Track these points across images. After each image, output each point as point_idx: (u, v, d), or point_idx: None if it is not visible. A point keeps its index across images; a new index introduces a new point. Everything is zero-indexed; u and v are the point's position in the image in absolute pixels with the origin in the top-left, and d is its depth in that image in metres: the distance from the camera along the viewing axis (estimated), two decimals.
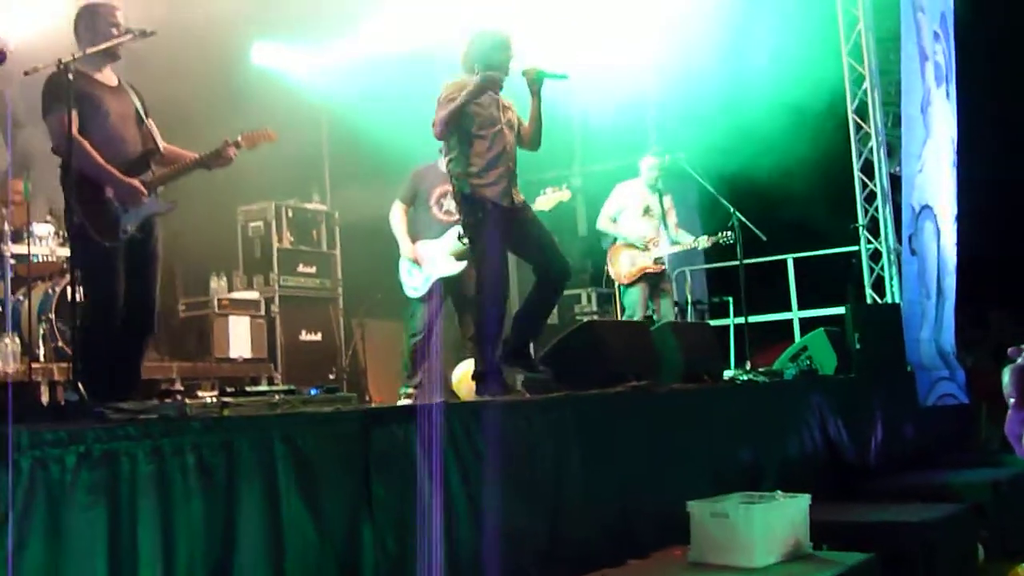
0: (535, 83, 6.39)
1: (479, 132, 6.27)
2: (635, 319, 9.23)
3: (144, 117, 5.76)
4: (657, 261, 9.45)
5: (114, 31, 5.56)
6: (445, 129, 6.25)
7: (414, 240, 8.19)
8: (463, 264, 7.90)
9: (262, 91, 10.60)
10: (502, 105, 6.42)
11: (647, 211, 9.59)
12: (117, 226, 5.43)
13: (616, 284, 9.72)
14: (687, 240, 9.61)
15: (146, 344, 5.83)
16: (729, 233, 9.28)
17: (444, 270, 8.03)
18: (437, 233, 8.09)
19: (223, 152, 5.84)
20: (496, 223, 6.23)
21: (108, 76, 5.68)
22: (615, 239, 9.66)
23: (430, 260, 8.07)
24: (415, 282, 8.16)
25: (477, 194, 6.24)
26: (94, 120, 5.45)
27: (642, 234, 9.49)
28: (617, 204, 9.66)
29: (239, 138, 5.89)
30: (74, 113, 5.09)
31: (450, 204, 7.97)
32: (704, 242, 9.57)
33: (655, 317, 9.33)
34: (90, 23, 5.58)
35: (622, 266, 9.51)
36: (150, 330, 5.75)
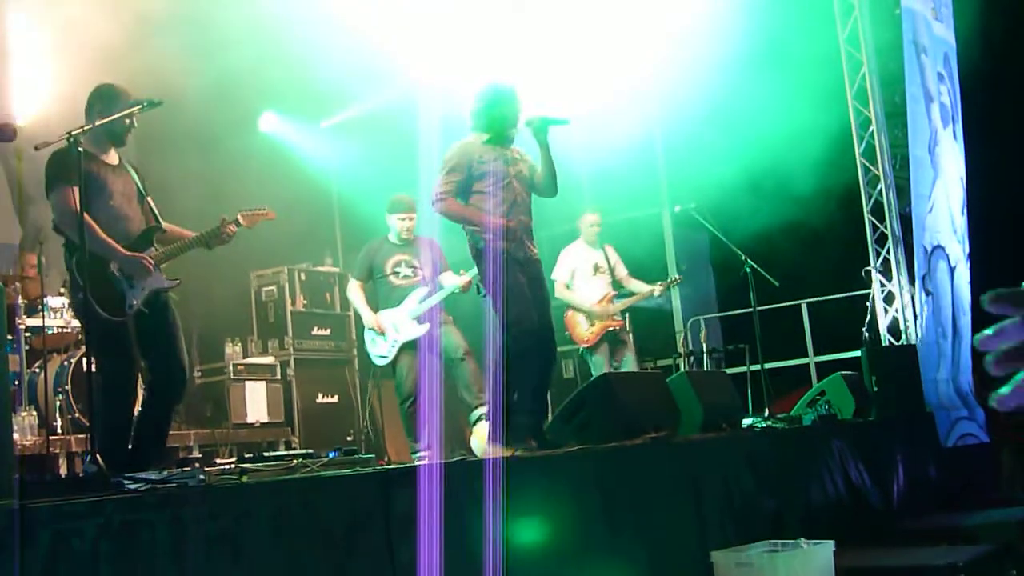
0: (540, 132, 6.35)
1: (485, 189, 6.24)
2: None
3: (144, 195, 5.83)
4: (614, 316, 9.41)
5: (127, 121, 5.62)
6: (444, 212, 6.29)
7: (376, 312, 8.24)
8: (426, 327, 8.01)
9: (271, 158, 10.68)
10: (512, 157, 6.39)
11: (596, 269, 9.52)
12: (123, 302, 5.49)
13: (580, 349, 9.66)
14: (643, 289, 9.56)
15: (172, 412, 5.87)
16: (677, 276, 9.31)
17: (409, 334, 8.09)
18: (398, 300, 8.17)
19: (222, 230, 5.91)
20: (514, 274, 6.16)
21: (111, 156, 5.75)
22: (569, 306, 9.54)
23: (393, 327, 8.12)
24: (380, 350, 8.23)
25: (492, 247, 6.16)
26: (99, 199, 5.52)
27: (596, 293, 9.42)
28: (568, 270, 9.50)
29: (238, 217, 5.97)
30: (77, 189, 5.11)
31: (407, 271, 8.20)
32: (658, 289, 9.60)
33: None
34: (107, 103, 5.59)
35: (581, 329, 9.43)
36: (178, 399, 5.80)
